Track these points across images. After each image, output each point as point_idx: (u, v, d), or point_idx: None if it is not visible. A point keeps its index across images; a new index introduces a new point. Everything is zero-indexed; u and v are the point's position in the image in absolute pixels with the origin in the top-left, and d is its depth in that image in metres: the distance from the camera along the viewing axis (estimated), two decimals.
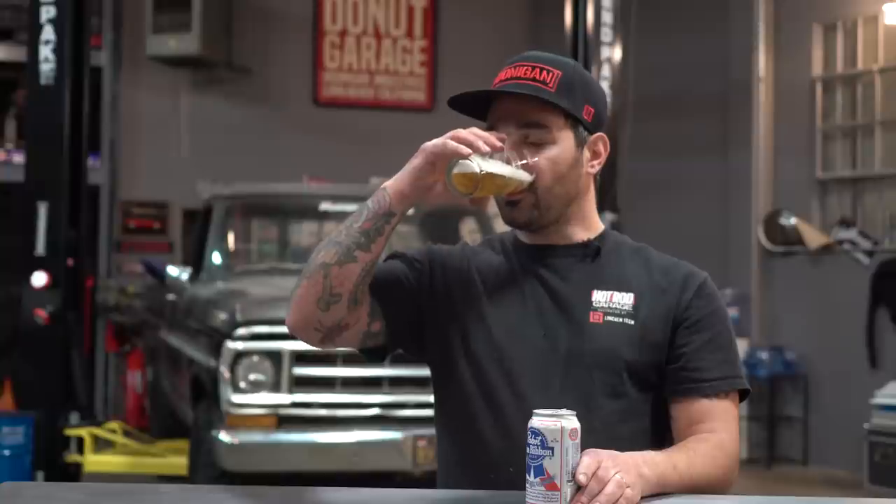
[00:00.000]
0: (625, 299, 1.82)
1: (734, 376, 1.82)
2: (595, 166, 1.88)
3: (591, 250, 1.86)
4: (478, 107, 1.87)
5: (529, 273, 1.86)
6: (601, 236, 1.90)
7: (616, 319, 1.81)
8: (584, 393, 1.77)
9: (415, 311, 1.87)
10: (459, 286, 1.88)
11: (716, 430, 1.78)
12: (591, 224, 1.90)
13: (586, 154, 1.87)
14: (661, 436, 1.83)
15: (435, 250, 1.93)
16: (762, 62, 8.21)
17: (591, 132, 1.86)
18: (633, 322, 1.81)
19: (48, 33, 5.78)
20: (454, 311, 1.87)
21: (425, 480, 4.46)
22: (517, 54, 1.89)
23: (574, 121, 1.83)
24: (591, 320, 1.81)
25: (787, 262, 8.08)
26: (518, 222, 1.85)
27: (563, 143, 1.83)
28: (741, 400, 1.85)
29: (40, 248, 5.70)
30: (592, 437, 1.68)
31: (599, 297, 1.83)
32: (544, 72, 1.82)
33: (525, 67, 1.83)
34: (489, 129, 1.83)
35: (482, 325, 1.84)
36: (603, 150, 1.89)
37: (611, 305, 1.82)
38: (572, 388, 1.78)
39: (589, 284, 1.84)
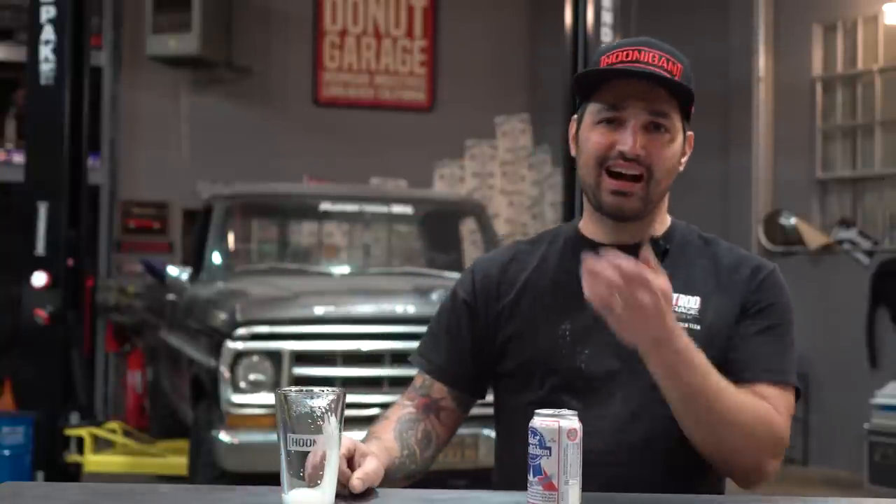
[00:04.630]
0: (690, 303, 1.77)
1: (782, 370, 1.75)
2: (684, 164, 1.86)
3: (659, 251, 1.78)
4: (592, 81, 1.80)
5: None
6: (669, 231, 1.86)
7: (682, 325, 1.69)
8: (645, 400, 1.72)
9: (478, 355, 1.88)
10: (513, 296, 1.86)
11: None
12: (663, 218, 1.88)
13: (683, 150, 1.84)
14: None
15: (479, 270, 1.91)
16: (762, 62, 8.21)
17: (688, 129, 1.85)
18: (698, 327, 1.75)
19: (48, 33, 5.77)
20: (513, 321, 1.85)
21: (426, 480, 4.45)
22: (633, 38, 1.84)
23: (685, 116, 1.82)
24: None
25: (787, 262, 8.07)
26: (627, 213, 1.78)
27: (678, 137, 1.81)
28: (795, 400, 1.77)
29: (40, 248, 5.70)
30: (648, 444, 1.71)
31: None
32: (671, 62, 1.79)
33: (652, 53, 1.78)
34: (608, 104, 1.76)
35: (543, 330, 1.81)
36: (689, 149, 1.87)
37: (676, 310, 1.73)
38: (634, 395, 1.74)
39: None
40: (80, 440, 5.70)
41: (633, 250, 1.69)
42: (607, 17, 6.39)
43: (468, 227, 6.78)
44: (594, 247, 1.79)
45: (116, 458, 5.80)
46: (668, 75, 1.76)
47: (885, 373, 7.08)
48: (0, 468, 5.41)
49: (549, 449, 1.47)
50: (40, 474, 5.55)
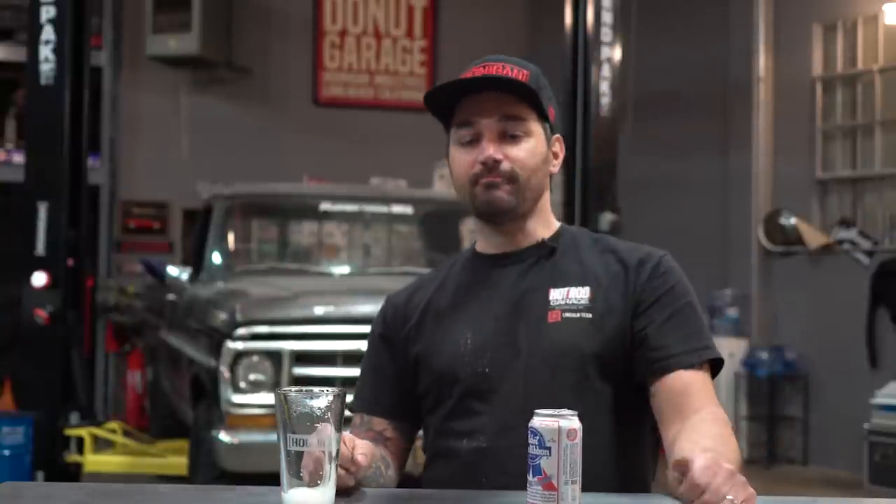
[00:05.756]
0: (581, 293, 1.82)
1: (701, 347, 1.78)
2: (556, 166, 1.92)
3: (546, 250, 1.87)
4: (444, 104, 1.91)
5: (487, 283, 1.88)
6: (558, 233, 1.92)
7: (574, 315, 1.80)
8: (548, 394, 1.75)
9: (403, 384, 1.94)
10: (416, 319, 1.93)
11: (702, 408, 1.71)
12: (549, 222, 1.93)
13: (551, 152, 1.91)
14: (624, 427, 1.81)
15: (389, 304, 2.01)
16: (762, 62, 8.21)
17: (552, 132, 1.91)
18: (590, 315, 1.80)
19: (48, 33, 5.77)
20: (419, 342, 1.91)
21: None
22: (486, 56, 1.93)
23: (543, 118, 1.87)
24: (550, 320, 1.81)
25: (787, 262, 8.08)
26: (501, 204, 1.84)
27: (538, 137, 1.86)
28: (715, 371, 1.80)
29: (40, 248, 5.70)
30: None
31: (556, 294, 1.83)
32: (515, 69, 1.86)
33: (496, 66, 1.86)
34: (462, 123, 1.87)
35: (448, 342, 1.86)
36: (560, 151, 1.93)
37: (567, 302, 1.81)
38: (537, 391, 1.77)
39: (545, 284, 1.84)
40: (80, 440, 5.70)
41: (520, 256, 1.86)
42: (607, 17, 6.39)
43: (468, 227, 6.78)
44: (487, 260, 1.90)
45: (116, 458, 5.80)
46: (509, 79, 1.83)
47: (885, 373, 7.08)
48: (0, 468, 5.41)
49: (549, 449, 1.47)
50: (40, 474, 5.55)
